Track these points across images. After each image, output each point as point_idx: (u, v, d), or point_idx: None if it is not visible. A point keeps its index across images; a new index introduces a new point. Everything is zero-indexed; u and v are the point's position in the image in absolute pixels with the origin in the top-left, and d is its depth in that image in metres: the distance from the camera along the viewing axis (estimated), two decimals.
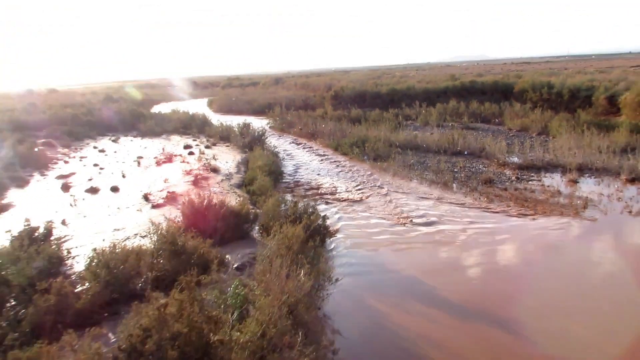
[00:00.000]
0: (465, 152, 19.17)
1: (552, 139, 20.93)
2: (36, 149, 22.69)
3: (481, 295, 7.99)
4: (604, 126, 21.09)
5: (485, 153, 18.52)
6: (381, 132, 22.95)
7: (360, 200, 13.44)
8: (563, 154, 17.05)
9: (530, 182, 14.48)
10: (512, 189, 13.82)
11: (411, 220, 11.59)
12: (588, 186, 13.91)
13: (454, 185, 14.56)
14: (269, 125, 30.76)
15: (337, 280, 7.74)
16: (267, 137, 23.46)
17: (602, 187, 13.72)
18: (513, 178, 15.03)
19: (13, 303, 7.02)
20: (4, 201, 14.71)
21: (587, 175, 15.07)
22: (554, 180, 14.63)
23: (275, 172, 16.20)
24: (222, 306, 5.95)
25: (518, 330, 6.87)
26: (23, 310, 6.74)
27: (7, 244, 8.76)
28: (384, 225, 11.36)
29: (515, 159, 17.15)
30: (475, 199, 13.10)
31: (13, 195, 15.66)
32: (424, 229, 11.04)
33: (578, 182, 14.29)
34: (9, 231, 9.57)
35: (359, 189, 14.63)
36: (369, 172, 16.87)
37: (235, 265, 8.48)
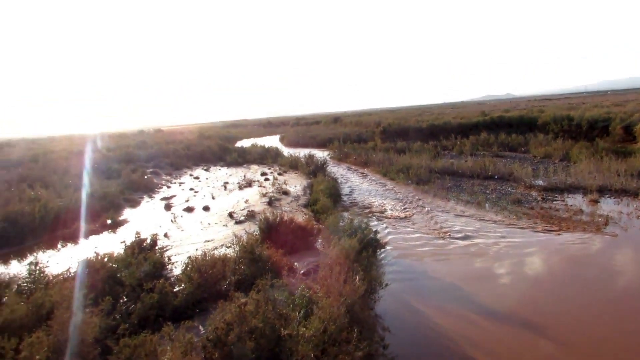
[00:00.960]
0: (496, 177, 18.46)
1: (573, 164, 19.83)
2: (146, 177, 23.69)
3: (511, 301, 7.54)
4: (621, 152, 19.84)
5: (513, 177, 17.75)
6: (422, 161, 22.50)
7: (406, 218, 13.12)
8: (584, 177, 16.10)
9: (554, 202, 13.70)
10: (538, 208, 13.12)
11: (449, 235, 11.18)
12: (608, 205, 13.02)
13: (486, 205, 13.97)
14: (329, 156, 30.83)
15: (386, 285, 7.52)
16: (327, 166, 23.46)
17: (622, 206, 12.81)
18: (539, 198, 14.28)
19: (125, 299, 7.23)
20: (121, 218, 15.37)
21: (607, 195, 14.12)
22: (576, 201, 13.79)
23: (334, 194, 16.13)
24: (291, 305, 5.89)
25: (543, 332, 6.42)
26: (132, 306, 6.93)
27: (121, 251, 9.07)
28: (426, 239, 11.01)
29: (540, 182, 16.33)
30: (505, 216, 12.51)
31: (127, 213, 16.35)
32: (461, 242, 10.61)
33: (599, 202, 13.40)
34: (124, 242, 9.95)
35: (404, 208, 14.31)
36: (413, 194, 16.49)
37: (302, 271, 8.42)
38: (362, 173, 23.26)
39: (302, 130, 63.73)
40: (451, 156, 26.05)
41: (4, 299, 7.07)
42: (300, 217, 11.97)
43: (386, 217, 13.33)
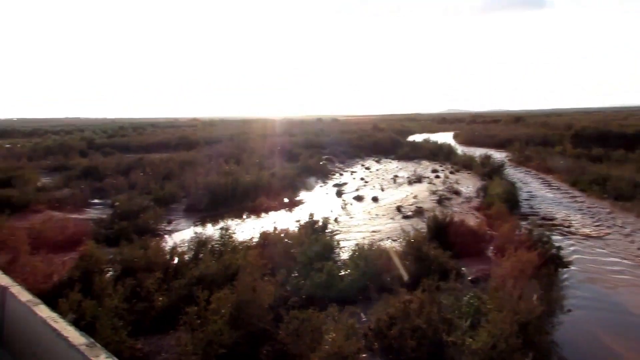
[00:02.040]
0: None
1: None
2: (321, 163, 25.15)
3: None
4: None
5: None
6: (625, 172, 19.27)
7: (598, 237, 11.45)
8: None
9: None
10: None
11: None
12: None
13: None
14: (507, 158, 28.64)
15: (569, 310, 6.69)
16: (505, 168, 21.82)
17: None
18: None
19: (296, 274, 7.79)
20: (297, 198, 16.64)
21: None
22: None
23: (511, 199, 14.87)
24: (457, 312, 5.64)
25: None
26: (302, 281, 7.42)
27: (296, 230, 9.78)
28: (623, 265, 9.44)
29: None
30: None
31: (302, 195, 17.61)
32: None
33: None
34: (298, 221, 10.74)
35: (596, 225, 12.50)
36: (608, 210, 14.29)
37: (469, 278, 8.02)
38: (545, 180, 21.03)
39: (479, 128, 60.41)
40: None
41: (200, 255, 8.25)
42: (472, 221, 11.40)
43: (572, 233, 11.84)
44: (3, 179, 17.32)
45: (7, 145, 35.94)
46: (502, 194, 14.64)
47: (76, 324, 3.38)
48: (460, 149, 33.62)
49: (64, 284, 6.47)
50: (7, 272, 4.36)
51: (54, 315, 2.93)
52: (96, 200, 15.51)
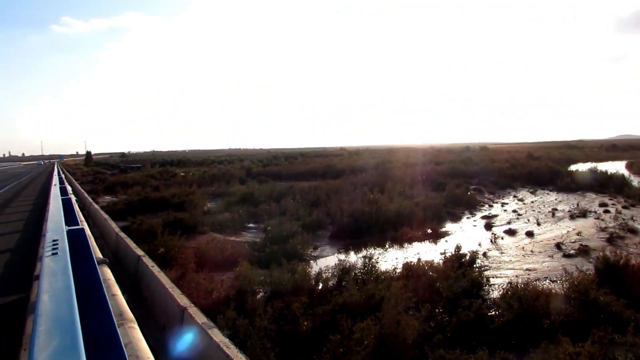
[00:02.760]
0: None
1: None
2: (469, 193, 23.95)
3: None
4: None
5: None
6: None
7: None
8: None
9: None
10: None
11: None
12: None
13: None
14: None
15: None
16: None
17: None
18: None
19: (441, 310, 7.42)
20: (443, 229, 16.01)
21: None
22: None
23: None
24: None
25: None
26: (447, 318, 7.04)
27: (441, 263, 9.37)
28: None
29: None
30: None
31: (448, 226, 16.89)
32: None
33: None
34: (444, 253, 10.29)
35: None
36: None
37: None
38: None
39: None
40: None
41: (344, 283, 8.36)
42: None
43: None
44: (178, 203, 20.02)
45: (182, 174, 41.61)
46: None
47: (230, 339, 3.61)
48: (636, 181, 29.24)
49: (221, 301, 7.08)
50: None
51: (226, 340, 3.16)
52: (251, 224, 16.90)
